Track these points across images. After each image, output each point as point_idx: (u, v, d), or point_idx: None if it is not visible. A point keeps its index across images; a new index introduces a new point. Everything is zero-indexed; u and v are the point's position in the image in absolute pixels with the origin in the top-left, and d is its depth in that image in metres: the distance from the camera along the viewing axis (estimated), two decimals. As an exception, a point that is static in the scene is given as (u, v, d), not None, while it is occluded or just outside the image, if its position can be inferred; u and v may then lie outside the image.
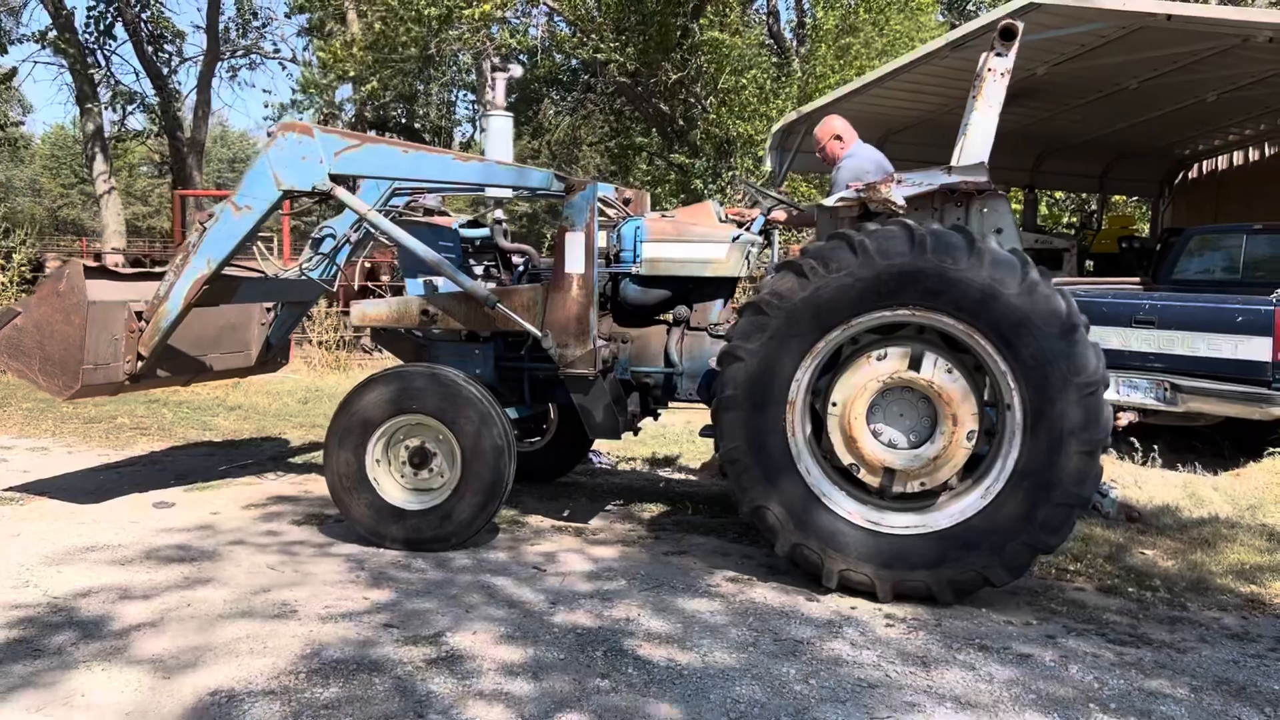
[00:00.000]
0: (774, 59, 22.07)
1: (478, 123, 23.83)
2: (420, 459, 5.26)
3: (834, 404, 4.70)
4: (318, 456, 7.70)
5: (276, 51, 25.68)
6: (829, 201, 5.09)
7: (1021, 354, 4.36)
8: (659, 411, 6.20)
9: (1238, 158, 17.18)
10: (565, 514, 6.14)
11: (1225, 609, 4.67)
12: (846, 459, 4.71)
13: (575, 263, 5.19)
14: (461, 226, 6.02)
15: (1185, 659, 4.05)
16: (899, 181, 4.79)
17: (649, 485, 7.01)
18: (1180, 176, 18.01)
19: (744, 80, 20.17)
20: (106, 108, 26.50)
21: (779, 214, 5.93)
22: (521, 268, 5.96)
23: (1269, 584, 4.96)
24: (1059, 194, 26.73)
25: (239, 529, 5.67)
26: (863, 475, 4.71)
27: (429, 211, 6.34)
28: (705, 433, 5.40)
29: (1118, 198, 19.13)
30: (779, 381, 4.64)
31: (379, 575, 4.89)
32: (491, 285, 5.53)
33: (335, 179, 5.29)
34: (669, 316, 5.81)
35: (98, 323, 5.42)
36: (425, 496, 5.28)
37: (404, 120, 24.75)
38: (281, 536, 5.54)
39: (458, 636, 4.12)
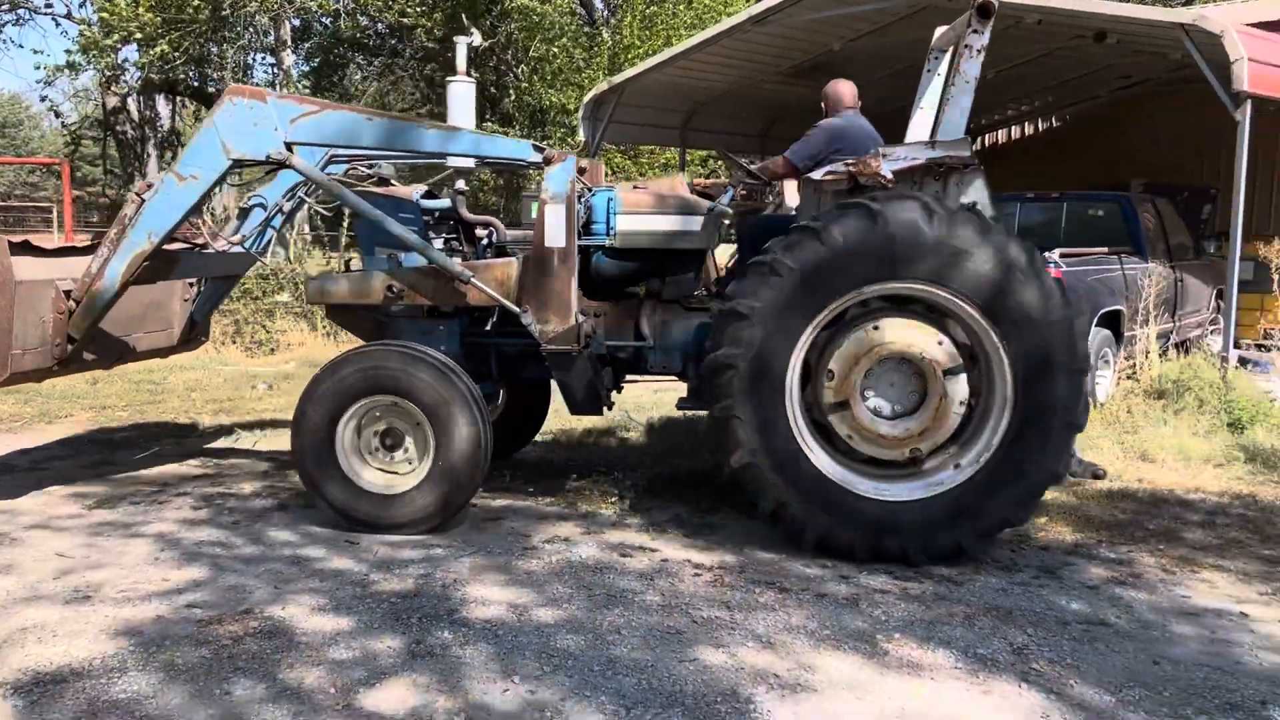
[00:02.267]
0: (585, 28, 22.09)
1: (278, 85, 22.74)
2: (392, 441, 5.08)
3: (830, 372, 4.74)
4: (118, 438, 7.31)
5: (49, 7, 23.64)
6: (817, 175, 5.08)
7: (1017, 335, 4.52)
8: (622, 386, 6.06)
9: (1015, 132, 18.51)
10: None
11: (994, 542, 5.11)
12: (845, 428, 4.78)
13: (556, 236, 5.05)
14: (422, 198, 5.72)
15: (962, 589, 4.43)
16: (885, 156, 4.81)
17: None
18: (965, 149, 19.24)
19: (555, 49, 20.13)
20: None
21: (742, 189, 5.90)
22: (486, 240, 5.70)
23: (1033, 520, 5.45)
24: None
25: (38, 512, 5.35)
26: (857, 443, 4.78)
27: (383, 181, 5.95)
28: (683, 405, 5.44)
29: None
30: (784, 343, 4.64)
31: (191, 555, 4.73)
32: (457, 259, 5.31)
33: (290, 147, 4.97)
34: (637, 289, 5.71)
35: (25, 304, 4.94)
36: (399, 480, 5.08)
37: (196, 84, 23.33)
38: (85, 519, 5.27)
39: (271, 610, 4.05)
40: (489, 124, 21.19)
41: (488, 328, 5.55)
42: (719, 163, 23.10)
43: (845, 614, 4.11)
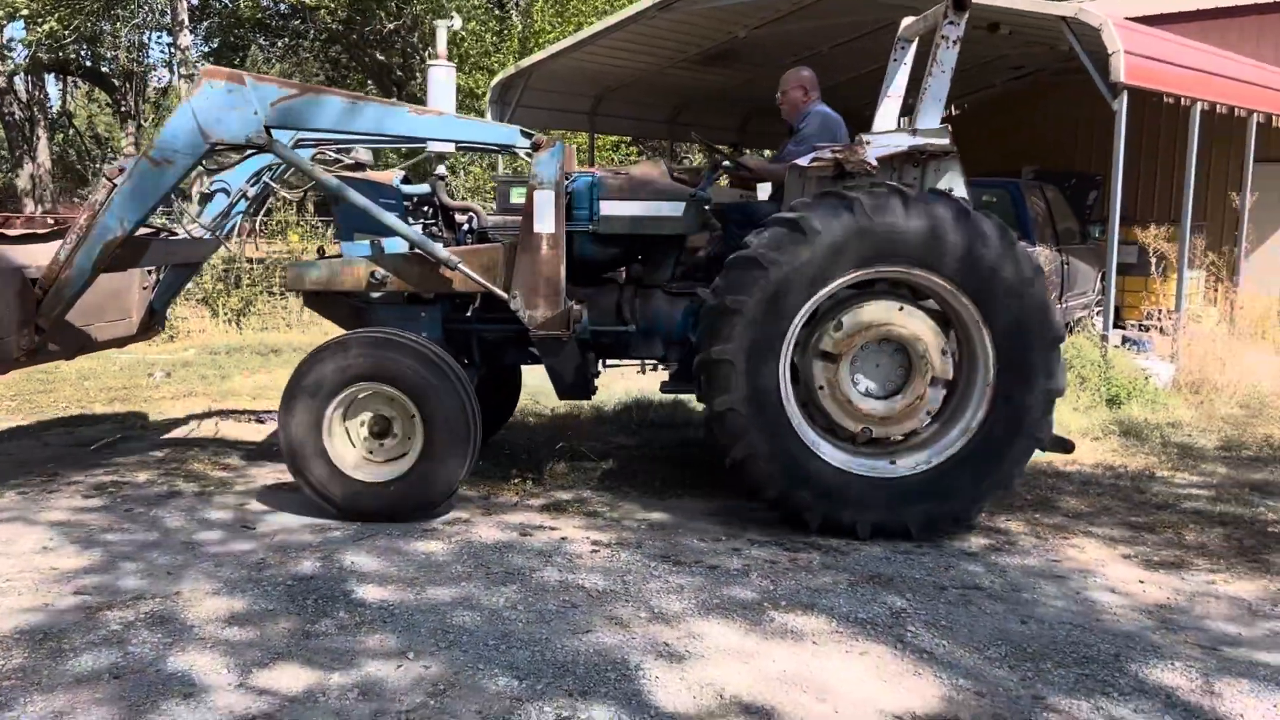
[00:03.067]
0: (495, 11, 21.94)
1: (175, 66, 22.09)
2: (380, 427, 5.03)
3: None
4: (6, 428, 7.11)
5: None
6: (803, 161, 5.10)
7: (999, 315, 4.75)
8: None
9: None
10: (281, 472, 6.03)
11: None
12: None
13: (545, 222, 5.03)
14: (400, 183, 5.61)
15: (846, 559, 4.62)
16: (868, 143, 4.89)
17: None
18: (869, 136, 19.70)
19: (464, 32, 19.96)
20: None
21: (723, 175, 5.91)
22: (466, 226, 5.64)
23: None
24: (767, 152, 28.36)
25: (-96, 508, 5.19)
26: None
27: (359, 166, 5.81)
28: (667, 389, 5.53)
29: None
30: (794, 300, 4.73)
31: (82, 543, 4.67)
32: (439, 245, 5.24)
33: (269, 131, 4.84)
34: (616, 274, 5.73)
35: None
36: (387, 466, 5.03)
37: (89, 63, 22.54)
38: (-44, 513, 5.14)
39: (164, 596, 4.03)
40: (397, 107, 20.96)
41: (468, 314, 5.55)
42: (631, 149, 23.16)
43: (735, 584, 4.26)
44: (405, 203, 5.53)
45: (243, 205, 6.07)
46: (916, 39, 5.94)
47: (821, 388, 4.92)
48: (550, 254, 5.08)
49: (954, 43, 5.03)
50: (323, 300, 5.63)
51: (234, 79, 4.88)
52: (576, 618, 3.89)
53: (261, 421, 7.40)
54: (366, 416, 5.05)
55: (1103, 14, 8.78)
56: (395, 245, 5.33)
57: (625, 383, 9.22)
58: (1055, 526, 5.16)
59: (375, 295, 5.40)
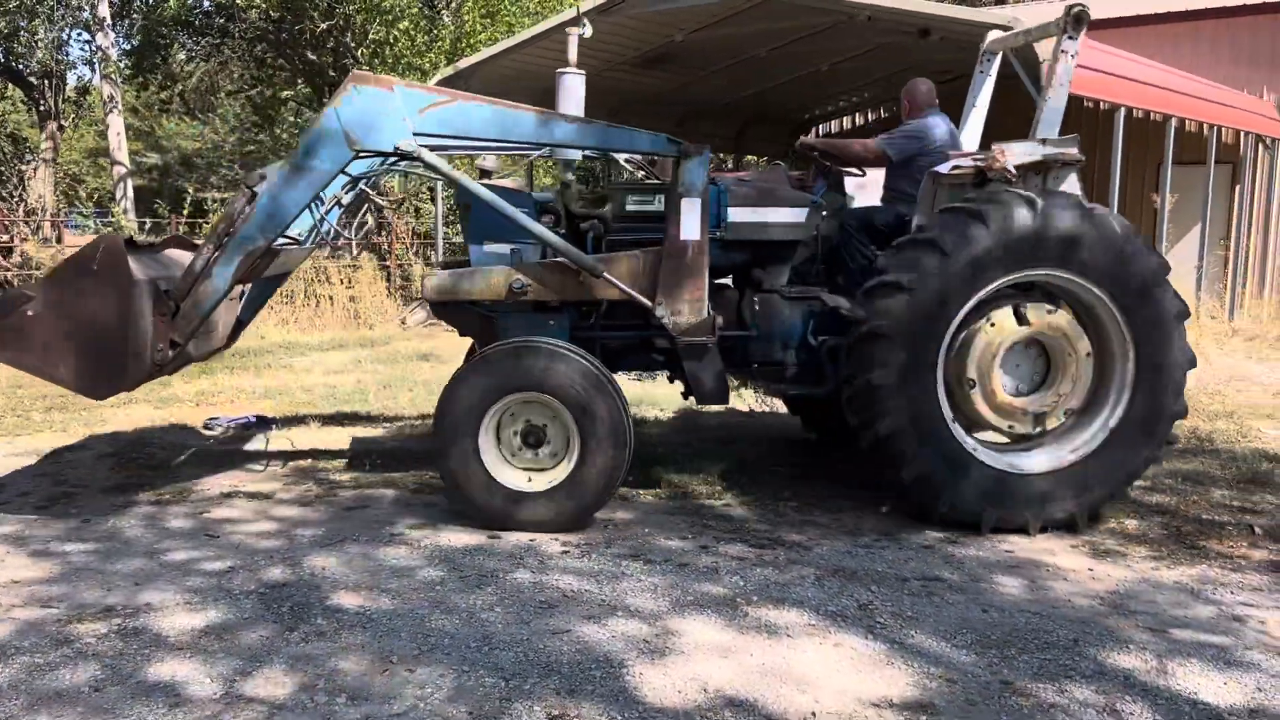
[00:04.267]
0: (426, 11, 21.75)
1: (95, 66, 21.46)
2: (535, 437, 5.02)
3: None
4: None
5: None
6: (944, 169, 5.26)
7: (1135, 310, 5.06)
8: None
9: (847, 122, 19.37)
10: (237, 480, 5.97)
11: (841, 511, 5.48)
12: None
13: (691, 229, 5.09)
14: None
15: (811, 554, 4.75)
16: (1006, 153, 5.11)
17: (324, 448, 6.94)
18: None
19: (396, 32, 19.76)
20: None
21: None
22: (592, 233, 5.52)
23: (872, 490, 5.84)
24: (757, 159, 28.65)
25: None
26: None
27: (486, 173, 5.70)
28: (783, 392, 5.72)
29: (750, 157, 20.94)
30: (944, 319, 4.92)
31: (40, 554, 4.58)
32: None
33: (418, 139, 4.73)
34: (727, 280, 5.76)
35: (137, 307, 4.57)
36: (541, 475, 5.01)
37: (3, 61, 21.78)
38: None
39: (134, 607, 3.98)
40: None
41: (592, 321, 5.55)
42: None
43: (707, 581, 4.36)
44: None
45: (335, 214, 5.83)
46: (1000, 51, 6.25)
47: (972, 387, 5.10)
48: (696, 260, 5.15)
49: (1072, 57, 5.30)
50: (453, 309, 5.55)
51: (382, 85, 4.80)
52: (555, 618, 3.95)
53: (209, 429, 7.31)
54: (519, 426, 5.04)
55: (1033, 22, 9.07)
56: (528, 253, 5.34)
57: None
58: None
59: (505, 303, 5.32)
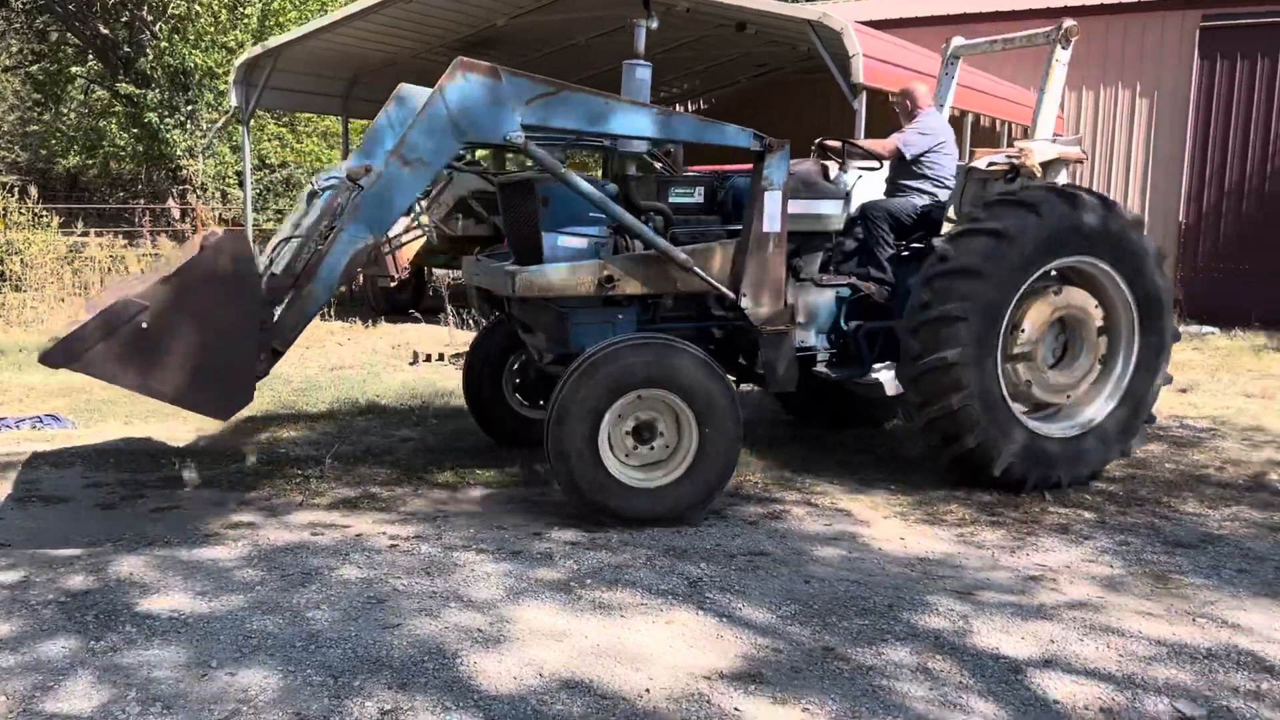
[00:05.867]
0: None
1: None
2: (648, 434, 4.95)
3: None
4: None
5: None
6: (981, 164, 5.77)
7: (1138, 288, 5.72)
8: None
9: (678, 109, 19.65)
10: (30, 486, 5.54)
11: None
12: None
13: (773, 222, 5.17)
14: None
15: (642, 535, 4.82)
16: (1030, 150, 5.64)
17: (127, 447, 6.53)
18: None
19: (198, 7, 18.74)
20: None
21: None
22: (651, 226, 5.32)
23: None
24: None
25: None
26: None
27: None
28: (823, 375, 5.92)
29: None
30: (1004, 297, 5.40)
31: None
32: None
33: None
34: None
35: (262, 314, 4.10)
36: (655, 469, 4.97)
37: None
38: None
39: (-91, 627, 3.64)
40: (123, 83, 19.36)
41: (651, 315, 5.48)
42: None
43: (541, 567, 4.36)
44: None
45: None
46: (961, 57, 6.76)
47: (1022, 363, 5.60)
48: (776, 253, 5.28)
49: (1064, 65, 5.94)
50: (530, 304, 5.30)
51: (489, 73, 4.52)
52: (384, 613, 3.86)
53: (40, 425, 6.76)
54: (630, 423, 4.94)
55: (844, 18, 9.48)
56: (602, 245, 5.32)
57: (403, 375, 9.09)
58: (823, 493, 5.60)
59: (571, 298, 5.18)
